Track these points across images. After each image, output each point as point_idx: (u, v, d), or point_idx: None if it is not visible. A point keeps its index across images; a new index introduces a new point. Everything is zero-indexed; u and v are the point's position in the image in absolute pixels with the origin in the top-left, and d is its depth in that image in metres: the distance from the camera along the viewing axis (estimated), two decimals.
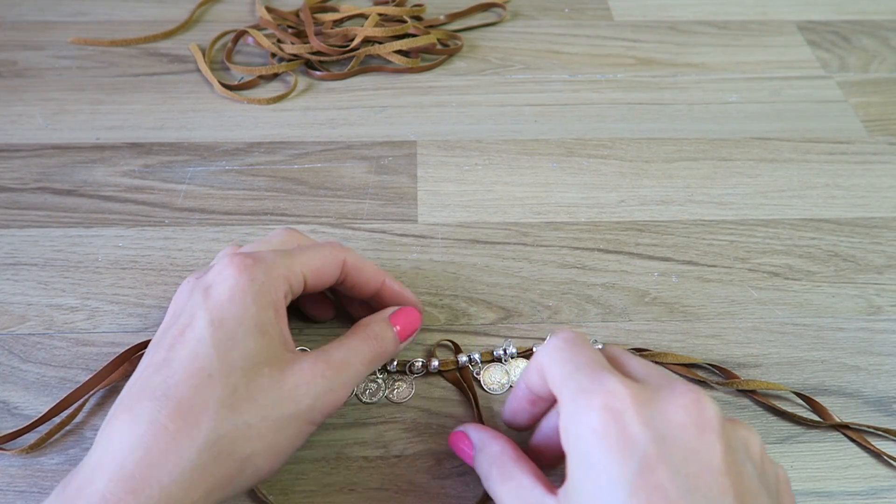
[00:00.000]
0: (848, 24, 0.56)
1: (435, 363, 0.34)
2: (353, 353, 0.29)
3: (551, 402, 0.28)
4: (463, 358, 0.34)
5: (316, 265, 0.30)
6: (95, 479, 0.24)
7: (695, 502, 0.21)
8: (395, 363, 0.34)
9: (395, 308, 0.32)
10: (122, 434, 0.24)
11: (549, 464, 0.28)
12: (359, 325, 0.31)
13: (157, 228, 0.40)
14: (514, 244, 0.40)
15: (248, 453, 0.25)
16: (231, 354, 0.26)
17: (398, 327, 0.32)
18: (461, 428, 0.30)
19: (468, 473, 0.31)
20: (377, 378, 0.34)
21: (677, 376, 0.25)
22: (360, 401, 0.33)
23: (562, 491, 0.24)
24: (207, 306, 0.27)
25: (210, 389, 0.25)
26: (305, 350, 0.31)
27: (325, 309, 0.36)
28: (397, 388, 0.34)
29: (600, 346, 0.35)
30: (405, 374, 0.34)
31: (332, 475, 0.31)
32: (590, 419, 0.23)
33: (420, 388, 0.34)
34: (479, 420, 0.33)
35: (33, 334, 0.35)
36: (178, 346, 0.26)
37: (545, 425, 0.28)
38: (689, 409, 0.23)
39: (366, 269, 0.32)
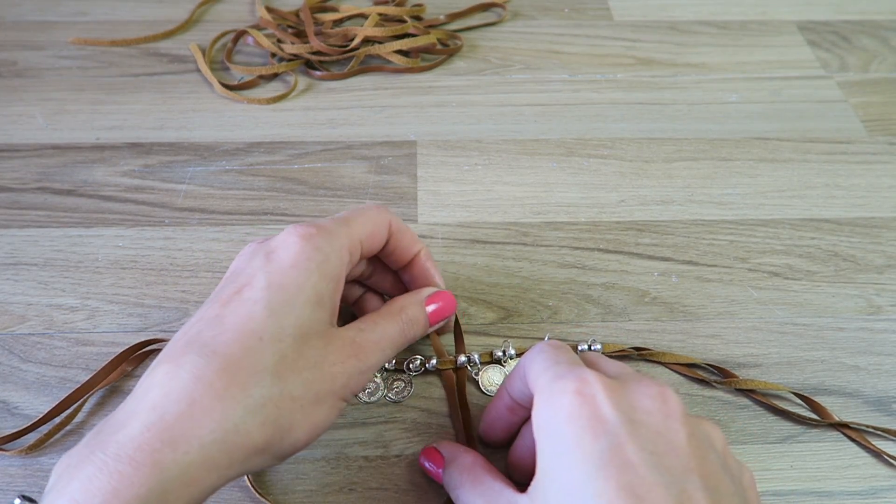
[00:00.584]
0: (848, 24, 0.56)
1: (433, 362, 0.34)
2: (384, 337, 0.29)
3: (528, 411, 0.28)
4: (462, 358, 0.34)
5: (370, 230, 0.30)
6: (130, 425, 0.23)
7: (661, 478, 0.22)
8: (394, 361, 0.34)
9: (433, 290, 0.32)
10: (165, 385, 0.24)
11: (525, 479, 0.28)
12: (394, 305, 0.31)
13: (157, 228, 0.40)
14: (514, 244, 0.40)
15: (289, 424, 0.25)
16: (285, 321, 0.26)
17: (432, 309, 0.31)
18: (433, 444, 0.30)
19: None
20: (376, 377, 0.34)
21: (646, 375, 0.26)
22: (360, 400, 0.33)
23: (532, 485, 0.25)
24: (269, 269, 0.26)
25: (260, 353, 0.25)
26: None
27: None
28: (395, 387, 0.34)
29: (599, 347, 0.35)
30: (403, 372, 0.34)
31: (332, 475, 0.31)
32: (562, 402, 0.24)
33: (420, 388, 0.34)
34: (465, 425, 0.32)
35: (33, 334, 0.35)
36: (233, 304, 0.26)
37: (522, 442, 0.29)
38: (656, 398, 0.24)
39: (407, 233, 0.32)
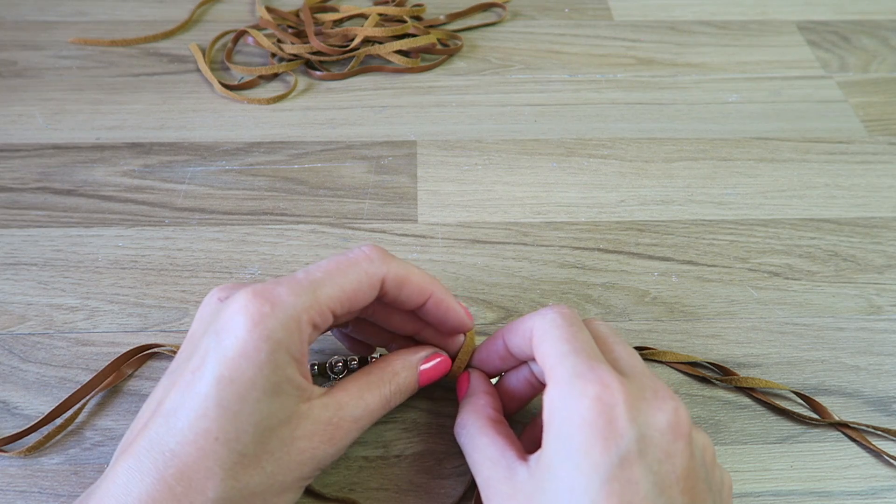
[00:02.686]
0: (848, 24, 0.56)
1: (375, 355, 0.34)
2: (366, 414, 0.27)
3: (520, 363, 0.30)
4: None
5: (348, 292, 0.26)
6: None
7: (657, 499, 0.23)
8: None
9: (428, 352, 0.30)
10: (129, 483, 0.24)
11: (514, 406, 0.31)
12: (385, 369, 0.29)
13: (157, 228, 0.40)
14: (514, 244, 0.40)
15: None
16: (241, 419, 0.24)
17: (424, 368, 0.30)
18: (471, 370, 0.32)
19: (468, 473, 0.31)
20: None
21: (656, 376, 0.26)
22: None
23: (533, 459, 0.25)
24: (217, 356, 0.24)
25: (215, 455, 0.24)
26: (322, 386, 0.27)
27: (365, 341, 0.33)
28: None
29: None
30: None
31: (332, 475, 0.31)
32: (581, 405, 0.24)
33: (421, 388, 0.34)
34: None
35: (33, 334, 0.35)
36: (187, 396, 0.24)
37: (513, 379, 0.30)
38: (670, 415, 0.24)
39: (410, 283, 0.28)
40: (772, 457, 0.32)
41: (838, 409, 0.34)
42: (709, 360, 0.35)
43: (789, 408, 0.34)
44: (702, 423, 0.33)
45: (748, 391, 0.34)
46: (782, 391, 0.34)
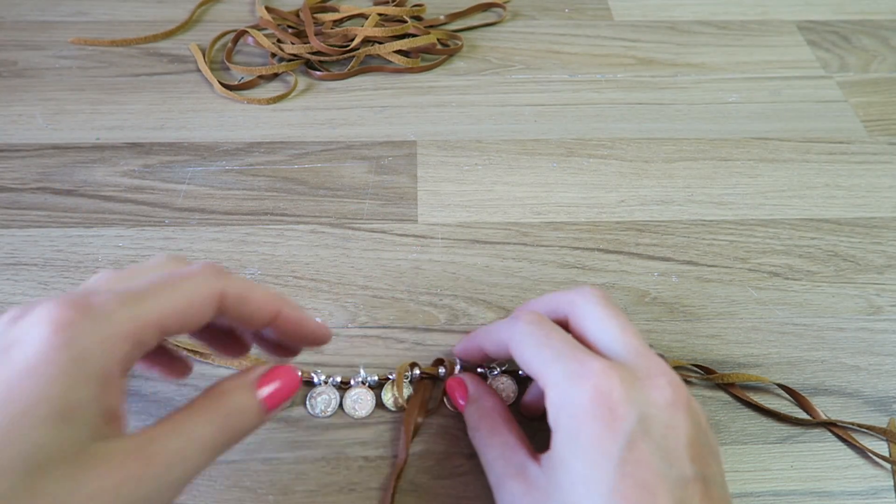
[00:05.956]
0: (848, 24, 0.56)
1: (416, 371, 0.34)
2: (191, 442, 0.22)
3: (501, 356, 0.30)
4: (443, 370, 0.34)
5: (178, 307, 0.23)
6: None
7: (669, 469, 0.24)
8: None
9: (265, 367, 0.26)
10: None
11: (536, 415, 0.32)
12: (211, 394, 0.24)
13: (157, 228, 0.40)
14: (514, 244, 0.40)
15: None
16: (9, 449, 0.19)
17: (266, 392, 0.25)
18: (461, 375, 0.33)
19: (468, 473, 0.31)
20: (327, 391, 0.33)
21: (647, 349, 0.27)
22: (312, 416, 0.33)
23: (545, 459, 0.26)
24: (1, 372, 0.20)
25: None
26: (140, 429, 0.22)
27: (179, 367, 0.28)
28: (354, 398, 0.33)
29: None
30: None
31: (332, 475, 0.31)
32: (581, 399, 0.25)
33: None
34: (405, 448, 0.31)
35: None
36: None
37: (532, 392, 0.32)
38: (665, 391, 0.25)
39: (253, 300, 0.25)
40: (772, 457, 0.32)
41: (838, 410, 0.34)
42: (693, 363, 0.35)
43: (779, 408, 0.34)
44: None
45: (732, 392, 0.34)
46: (767, 385, 0.34)
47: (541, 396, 0.29)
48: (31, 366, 0.20)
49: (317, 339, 0.27)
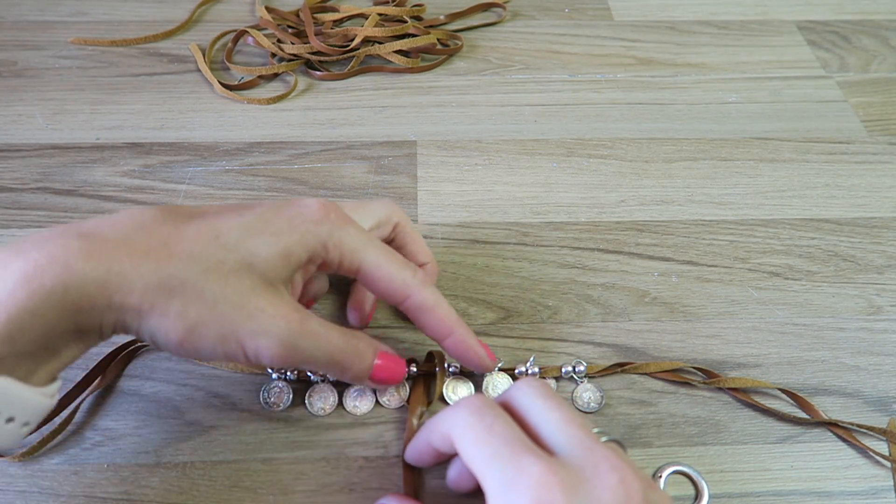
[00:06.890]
0: (848, 24, 0.56)
1: (413, 369, 0.33)
2: (329, 340, 0.28)
3: (454, 455, 0.28)
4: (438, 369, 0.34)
5: (383, 276, 0.29)
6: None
7: None
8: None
9: (389, 349, 0.31)
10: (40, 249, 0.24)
11: (464, 492, 0.29)
12: (352, 331, 0.29)
13: None
14: (514, 244, 0.40)
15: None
16: (246, 243, 0.26)
17: (380, 363, 0.30)
18: (383, 501, 0.29)
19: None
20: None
21: (594, 442, 0.24)
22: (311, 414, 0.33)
23: None
24: (267, 203, 0.29)
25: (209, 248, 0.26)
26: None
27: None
28: (355, 395, 0.33)
29: (583, 368, 0.34)
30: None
31: (332, 475, 0.31)
32: None
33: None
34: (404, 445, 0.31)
35: None
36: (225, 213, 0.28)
37: (457, 471, 0.28)
38: (616, 491, 0.23)
39: (436, 315, 0.30)
40: (772, 457, 0.32)
41: (838, 410, 0.34)
42: (693, 365, 0.35)
43: (779, 408, 0.34)
44: (702, 423, 0.33)
45: (732, 392, 0.34)
46: (770, 390, 0.34)
47: (464, 474, 0.28)
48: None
49: (480, 366, 0.32)
